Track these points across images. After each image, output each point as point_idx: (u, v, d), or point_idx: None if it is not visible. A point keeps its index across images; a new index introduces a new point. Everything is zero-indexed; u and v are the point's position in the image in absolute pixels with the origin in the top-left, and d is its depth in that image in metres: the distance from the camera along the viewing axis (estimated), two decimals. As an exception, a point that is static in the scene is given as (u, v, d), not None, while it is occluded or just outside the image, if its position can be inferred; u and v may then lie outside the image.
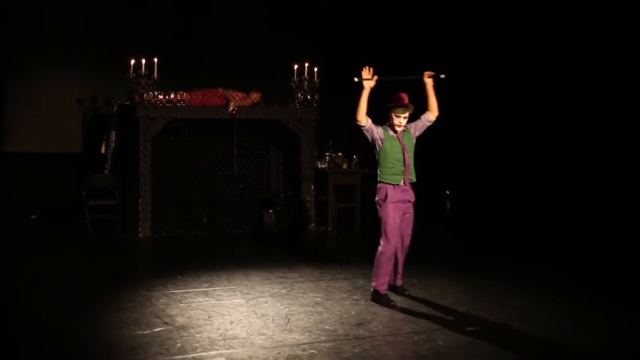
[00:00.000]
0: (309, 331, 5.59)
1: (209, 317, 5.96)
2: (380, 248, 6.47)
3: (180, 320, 5.86)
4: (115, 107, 10.71)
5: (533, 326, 5.76)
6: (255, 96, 10.65)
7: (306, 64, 10.62)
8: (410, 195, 6.56)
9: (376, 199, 6.54)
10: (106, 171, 10.62)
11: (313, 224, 10.92)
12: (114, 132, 10.60)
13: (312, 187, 10.91)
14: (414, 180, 6.56)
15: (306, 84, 10.64)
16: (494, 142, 11.50)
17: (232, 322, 5.80)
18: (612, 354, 5.21)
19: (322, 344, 5.26)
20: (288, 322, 5.84)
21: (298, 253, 9.54)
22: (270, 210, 11.13)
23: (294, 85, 10.69)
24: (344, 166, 11.06)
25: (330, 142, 11.37)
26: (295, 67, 10.66)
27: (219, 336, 5.43)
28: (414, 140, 6.63)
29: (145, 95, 9.98)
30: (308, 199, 10.87)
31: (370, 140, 6.55)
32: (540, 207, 10.66)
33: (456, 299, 6.66)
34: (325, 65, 11.10)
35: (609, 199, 9.80)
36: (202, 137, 10.60)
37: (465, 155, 11.85)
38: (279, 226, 11.01)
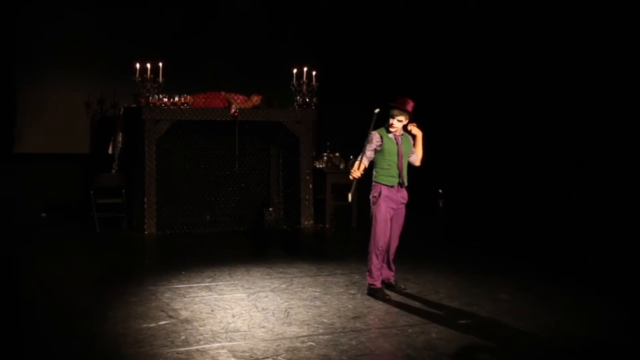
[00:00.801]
0: (308, 324, 5.67)
1: (212, 310, 6.04)
2: (371, 244, 6.57)
3: (184, 313, 5.94)
4: (122, 110, 10.77)
5: (523, 320, 5.83)
6: (256, 99, 10.75)
7: (305, 68, 10.67)
8: (403, 197, 6.67)
9: (371, 196, 6.64)
10: (113, 171, 10.68)
11: (311, 222, 10.99)
12: (120, 134, 10.67)
13: (311, 186, 10.97)
14: (407, 184, 6.67)
15: (305, 87, 10.69)
16: (485, 142, 11.48)
17: (234, 316, 5.87)
18: (601, 347, 5.28)
19: (321, 337, 5.35)
20: (288, 315, 5.92)
21: (297, 249, 9.60)
22: (271, 209, 11.24)
23: (293, 89, 10.74)
24: (341, 166, 11.14)
25: (328, 143, 11.46)
26: (295, 71, 10.71)
27: (222, 329, 5.50)
28: (411, 148, 6.77)
29: (150, 98, 10.07)
30: (307, 197, 10.93)
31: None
32: (531, 203, 10.68)
33: (449, 294, 6.76)
34: (324, 70, 11.17)
35: (600, 194, 9.78)
36: (205, 138, 10.66)
37: (458, 154, 11.87)
38: (279, 224, 11.10)
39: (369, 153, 6.55)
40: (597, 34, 9.83)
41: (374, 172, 6.66)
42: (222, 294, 6.64)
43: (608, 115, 9.81)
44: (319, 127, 11.56)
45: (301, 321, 5.77)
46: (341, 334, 5.46)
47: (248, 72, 11.81)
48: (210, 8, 12.29)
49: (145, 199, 10.18)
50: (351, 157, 11.05)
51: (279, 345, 5.16)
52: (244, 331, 5.48)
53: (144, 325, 5.61)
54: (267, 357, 4.91)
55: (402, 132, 6.68)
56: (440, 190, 12.10)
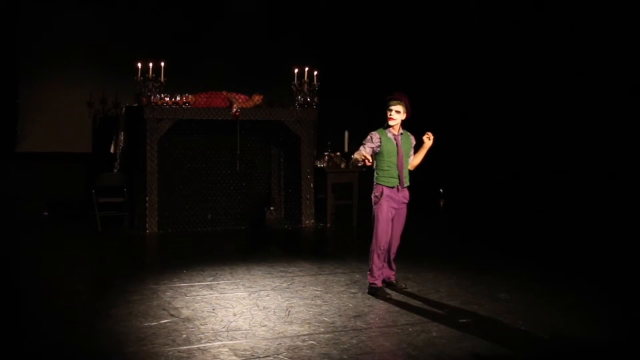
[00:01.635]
0: (309, 323, 5.69)
1: (213, 309, 6.06)
2: (372, 244, 6.59)
3: (185, 312, 5.96)
4: (124, 109, 10.79)
5: (522, 319, 5.85)
6: (257, 98, 10.78)
7: (306, 68, 10.70)
8: (405, 196, 6.68)
9: (372, 196, 6.65)
10: (115, 170, 10.67)
11: (312, 221, 11.00)
12: (122, 133, 10.67)
13: (312, 185, 11.00)
14: (408, 184, 6.66)
15: (306, 87, 10.71)
16: (485, 141, 11.56)
17: (235, 315, 5.89)
18: (601, 347, 5.29)
19: (321, 335, 5.37)
20: (289, 314, 5.94)
21: (298, 248, 9.65)
22: (272, 208, 11.28)
23: (294, 88, 10.77)
24: (342, 165, 11.15)
25: (329, 142, 11.49)
26: (296, 70, 10.74)
27: (223, 328, 5.53)
28: (412, 150, 6.73)
29: (152, 97, 10.09)
30: (307, 196, 10.94)
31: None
32: (531, 203, 10.72)
33: (449, 293, 6.78)
34: (325, 69, 11.20)
35: (599, 194, 9.82)
36: (206, 137, 10.68)
37: (458, 154, 11.90)
38: (280, 223, 11.12)
39: (368, 150, 6.55)
40: (604, 28, 9.84)
41: (374, 173, 6.67)
42: (224, 293, 6.66)
43: (608, 114, 9.84)
44: (320, 127, 11.57)
45: (302, 320, 5.79)
46: (342, 332, 5.48)
47: (249, 72, 11.83)
48: (211, 8, 12.32)
49: (147, 198, 10.20)
50: (352, 156, 11.05)
51: (280, 343, 5.18)
52: (245, 330, 5.50)
53: (146, 324, 5.63)
54: (268, 356, 4.93)
55: (401, 130, 6.63)
56: (441, 190, 12.12)
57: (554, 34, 10.50)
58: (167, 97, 10.23)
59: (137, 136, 10.40)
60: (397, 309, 6.19)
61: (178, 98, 10.30)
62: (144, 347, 5.08)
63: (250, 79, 11.60)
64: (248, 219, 10.95)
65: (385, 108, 6.56)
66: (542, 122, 10.70)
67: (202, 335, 5.35)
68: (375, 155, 6.59)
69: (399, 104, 6.51)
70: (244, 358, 4.90)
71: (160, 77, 10.12)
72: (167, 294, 6.63)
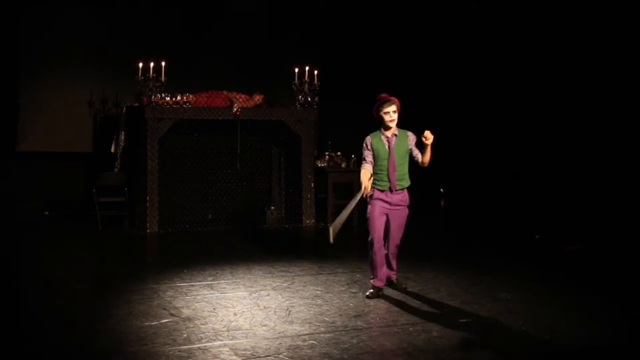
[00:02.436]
0: (309, 322, 5.69)
1: (214, 309, 6.07)
2: (368, 243, 6.59)
3: (186, 312, 5.97)
4: (124, 109, 10.85)
5: (522, 319, 5.85)
6: (257, 98, 10.84)
7: (307, 68, 10.73)
8: (401, 199, 6.53)
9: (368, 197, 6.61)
10: (115, 169, 10.74)
11: (313, 220, 11.04)
12: (123, 133, 10.73)
13: (312, 184, 11.04)
14: (405, 185, 6.51)
15: (306, 86, 10.76)
16: (486, 141, 11.57)
17: (235, 314, 5.90)
18: (601, 347, 5.29)
19: (322, 335, 5.37)
20: (289, 314, 5.94)
21: (298, 248, 9.68)
22: (272, 207, 11.31)
23: (294, 88, 10.81)
24: (343, 165, 11.18)
25: (330, 142, 11.51)
26: (296, 70, 10.77)
27: (223, 327, 5.53)
28: (409, 148, 6.50)
29: (152, 97, 10.13)
30: (308, 196, 10.98)
31: None
32: (531, 202, 10.73)
33: (449, 292, 6.78)
34: (325, 69, 11.22)
35: (600, 194, 9.85)
36: (207, 137, 10.72)
37: (459, 153, 11.87)
38: (281, 222, 11.16)
39: (369, 158, 6.51)
40: (604, 28, 9.84)
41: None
42: (224, 293, 6.68)
43: (608, 114, 9.83)
44: (321, 126, 11.60)
45: (303, 319, 5.80)
46: (342, 332, 5.48)
47: (250, 72, 11.87)
48: (212, 8, 12.34)
49: (148, 198, 10.23)
50: (352, 156, 11.07)
51: (281, 343, 5.18)
52: (246, 329, 5.51)
53: (146, 323, 5.63)
54: (268, 356, 4.93)
55: (396, 131, 6.50)
56: (441, 190, 12.13)
57: (554, 33, 10.50)
58: (167, 96, 10.28)
59: (138, 136, 10.45)
60: (397, 308, 6.19)
61: (179, 97, 10.35)
62: (144, 347, 5.08)
63: (250, 78, 11.64)
64: (248, 219, 10.97)
65: (380, 112, 6.42)
66: (542, 122, 10.70)
67: (202, 335, 5.36)
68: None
69: (392, 104, 6.41)
70: (244, 358, 4.90)
71: (161, 76, 10.16)
72: (168, 293, 6.64)
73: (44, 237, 9.96)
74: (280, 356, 4.92)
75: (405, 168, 6.54)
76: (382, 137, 6.50)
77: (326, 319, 5.83)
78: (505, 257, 8.67)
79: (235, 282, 7.13)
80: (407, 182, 6.56)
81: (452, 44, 11.98)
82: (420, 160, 6.51)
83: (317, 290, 6.83)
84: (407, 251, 7.31)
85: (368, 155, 6.51)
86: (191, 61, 11.65)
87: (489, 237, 10.10)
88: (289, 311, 6.04)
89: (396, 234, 6.63)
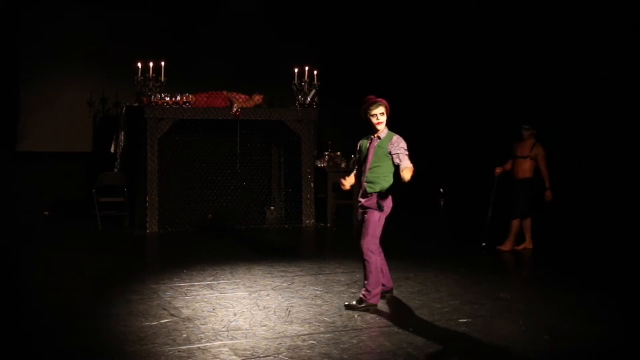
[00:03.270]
0: (309, 323, 5.70)
1: (214, 309, 6.07)
2: None
3: (186, 312, 5.97)
4: (125, 109, 10.85)
5: (523, 319, 5.87)
6: (257, 98, 10.84)
7: (307, 68, 10.74)
8: (370, 203, 6.17)
9: None
10: (115, 170, 10.74)
11: (313, 221, 11.04)
12: (123, 133, 10.73)
13: (312, 185, 11.03)
14: (376, 190, 6.10)
15: (306, 86, 10.76)
16: (486, 140, 11.57)
17: (235, 314, 5.90)
18: (601, 347, 5.30)
19: (322, 335, 5.37)
20: (289, 314, 5.95)
21: (299, 248, 9.70)
22: (272, 207, 11.33)
23: (294, 88, 10.81)
24: (343, 165, 11.17)
25: (330, 142, 11.51)
26: (296, 70, 10.78)
27: (223, 327, 5.54)
28: (387, 152, 6.14)
29: (153, 97, 10.14)
30: (308, 196, 10.97)
31: None
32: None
33: (450, 292, 6.79)
34: (325, 69, 11.23)
35: (599, 192, 9.87)
36: (207, 137, 10.73)
37: (459, 153, 11.90)
38: (281, 222, 11.15)
39: (356, 163, 6.47)
40: (605, 27, 9.85)
41: None
42: (224, 293, 6.68)
43: (609, 113, 9.84)
44: (321, 126, 11.60)
45: (303, 320, 5.80)
46: (342, 332, 5.48)
47: (250, 72, 11.87)
48: (212, 8, 12.35)
49: (148, 198, 10.24)
50: (352, 156, 11.09)
51: (281, 343, 5.19)
52: (246, 330, 5.52)
53: (146, 324, 5.64)
54: (268, 356, 4.94)
55: (384, 133, 6.24)
56: (441, 190, 12.13)
57: (554, 34, 10.50)
58: (167, 97, 10.30)
59: (138, 136, 10.45)
60: (397, 308, 6.21)
61: (179, 98, 10.36)
62: (144, 347, 5.09)
63: (250, 79, 11.63)
64: (248, 219, 10.97)
65: (367, 114, 6.17)
66: (543, 122, 10.70)
67: (202, 335, 5.36)
68: None
69: (380, 105, 6.18)
70: (244, 358, 4.90)
71: (161, 77, 10.18)
72: (168, 293, 6.64)
73: (44, 237, 9.96)
74: (280, 356, 4.92)
75: (380, 172, 6.13)
76: (369, 140, 6.30)
77: (326, 319, 5.84)
78: (506, 257, 8.68)
79: (235, 282, 7.13)
80: (379, 187, 6.10)
81: (452, 43, 11.98)
82: (400, 171, 6.16)
83: (317, 290, 6.83)
84: (407, 251, 7.33)
85: (355, 159, 6.53)
86: (191, 61, 11.65)
87: (489, 237, 10.04)
88: (289, 311, 6.05)
89: (362, 239, 6.19)
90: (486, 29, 11.49)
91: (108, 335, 5.42)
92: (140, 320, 5.75)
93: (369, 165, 6.17)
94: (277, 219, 11.26)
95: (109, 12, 11.80)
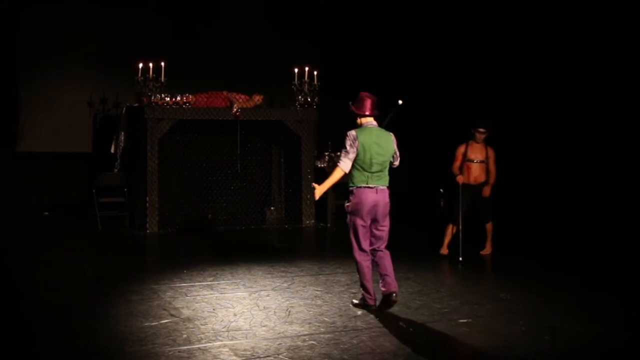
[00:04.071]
0: (309, 323, 5.71)
1: (214, 309, 6.08)
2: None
3: (186, 312, 5.98)
4: (124, 109, 10.86)
5: (522, 319, 5.87)
6: (257, 98, 10.85)
7: (306, 68, 10.74)
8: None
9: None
10: (115, 170, 10.75)
11: (313, 221, 11.04)
12: (122, 133, 10.74)
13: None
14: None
15: (306, 86, 10.76)
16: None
17: (235, 315, 5.91)
18: (601, 347, 5.31)
19: (322, 335, 5.38)
20: (289, 314, 5.96)
21: (298, 248, 9.69)
22: (272, 208, 11.33)
23: (294, 88, 10.81)
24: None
25: (330, 142, 11.49)
26: (296, 70, 10.78)
27: (223, 328, 5.55)
28: None
29: (152, 97, 10.15)
30: (308, 196, 10.95)
31: None
32: (532, 202, 10.74)
33: (450, 292, 6.83)
34: (325, 69, 11.23)
35: (598, 193, 9.86)
36: (207, 137, 10.74)
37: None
38: (281, 223, 11.16)
39: None
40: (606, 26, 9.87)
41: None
42: (224, 293, 6.69)
43: (609, 113, 9.85)
44: (321, 127, 11.60)
45: (302, 320, 5.81)
46: (342, 332, 5.49)
47: (250, 72, 11.88)
48: (212, 8, 12.35)
49: (147, 198, 10.25)
50: None
51: (281, 344, 5.19)
52: (246, 330, 5.52)
53: (146, 324, 5.65)
54: (268, 356, 4.94)
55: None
56: (441, 190, 12.11)
57: (555, 34, 10.51)
58: (167, 97, 10.31)
59: (138, 136, 10.46)
60: (397, 308, 6.18)
61: (178, 98, 10.38)
62: (144, 347, 5.10)
63: (250, 79, 11.65)
64: (248, 219, 10.97)
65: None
66: (542, 122, 10.71)
67: (202, 335, 5.37)
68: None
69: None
70: (244, 358, 4.91)
71: (161, 77, 10.19)
72: (168, 294, 6.65)
73: (43, 237, 9.96)
74: (280, 356, 4.93)
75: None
76: None
77: (326, 319, 5.85)
78: (506, 257, 8.68)
79: (235, 282, 7.14)
80: (350, 183, 6.16)
81: (452, 43, 11.98)
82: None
83: (317, 290, 6.84)
84: (407, 251, 7.33)
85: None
86: (191, 62, 11.67)
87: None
88: (289, 312, 6.05)
89: None
90: (485, 28, 11.49)
91: (108, 335, 5.43)
92: (140, 320, 5.75)
93: None
94: (277, 219, 11.27)
95: (109, 12, 11.83)
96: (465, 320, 5.84)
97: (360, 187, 6.03)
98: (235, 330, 5.49)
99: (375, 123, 6.15)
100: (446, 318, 5.93)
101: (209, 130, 10.64)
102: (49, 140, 11.54)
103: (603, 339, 5.48)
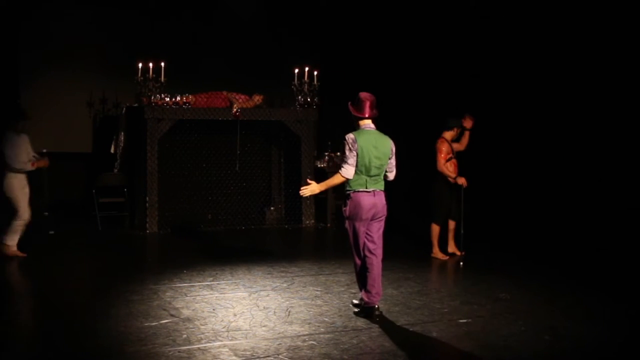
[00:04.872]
0: (309, 323, 5.72)
1: (213, 309, 6.09)
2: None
3: (185, 312, 5.99)
4: (124, 109, 10.85)
5: (522, 319, 5.89)
6: (257, 98, 10.84)
7: (306, 68, 10.74)
8: None
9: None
10: (115, 170, 10.74)
11: (313, 221, 11.04)
12: (122, 133, 10.73)
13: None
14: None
15: (306, 87, 10.75)
16: (487, 140, 11.58)
17: (235, 315, 5.92)
18: (601, 347, 5.32)
19: (322, 335, 5.39)
20: (289, 314, 5.96)
21: (298, 248, 9.70)
22: (272, 208, 11.33)
23: (294, 88, 10.81)
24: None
25: (329, 142, 11.51)
26: (296, 71, 10.78)
27: (223, 328, 5.55)
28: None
29: (152, 97, 10.14)
30: (308, 196, 11.04)
31: None
32: (532, 202, 10.74)
33: (450, 292, 6.84)
34: (325, 69, 11.21)
35: (598, 193, 9.88)
36: (206, 137, 10.73)
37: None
38: (280, 223, 11.16)
39: None
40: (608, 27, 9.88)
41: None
42: (224, 293, 6.69)
43: (610, 113, 9.86)
44: (320, 127, 11.60)
45: (302, 320, 5.82)
46: (342, 332, 5.50)
47: (250, 72, 11.89)
48: (212, 8, 12.36)
49: (147, 198, 10.24)
50: None
51: (280, 344, 5.20)
52: (246, 330, 5.53)
53: (146, 324, 5.66)
54: (268, 356, 4.95)
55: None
56: None
57: (554, 34, 10.51)
58: (167, 97, 10.30)
59: (138, 136, 10.45)
60: (397, 309, 6.21)
61: (178, 98, 10.37)
62: (144, 347, 5.10)
63: (250, 79, 11.66)
64: (248, 219, 10.98)
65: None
66: (542, 122, 10.72)
67: (202, 336, 5.37)
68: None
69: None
70: (244, 358, 4.92)
71: (161, 77, 10.18)
72: (168, 294, 6.65)
73: (44, 237, 9.92)
74: (280, 357, 4.94)
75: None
76: None
77: (326, 319, 5.85)
78: (506, 257, 8.70)
79: (235, 282, 7.14)
80: (348, 186, 6.05)
81: (451, 43, 11.99)
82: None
83: (317, 290, 6.84)
84: (407, 251, 7.33)
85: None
86: (191, 62, 11.68)
87: (490, 237, 10.09)
88: (289, 312, 6.06)
89: None
90: (485, 28, 11.49)
91: (108, 335, 5.43)
92: (140, 320, 5.76)
93: None
94: (276, 219, 11.27)
95: (109, 12, 11.84)
96: (465, 320, 5.85)
97: (357, 191, 5.95)
98: (235, 331, 5.49)
99: (373, 126, 6.07)
100: (446, 318, 5.94)
101: (208, 130, 10.64)
102: (49, 140, 11.43)
103: (603, 339, 5.48)
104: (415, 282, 7.18)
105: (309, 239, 10.56)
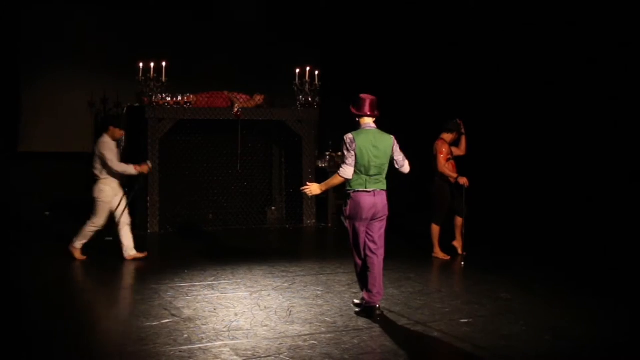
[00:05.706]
0: (310, 323, 5.72)
1: (215, 309, 6.09)
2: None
3: (186, 312, 6.00)
4: (125, 109, 10.87)
5: (523, 319, 5.89)
6: (258, 98, 10.85)
7: (307, 68, 10.74)
8: None
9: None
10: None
11: (314, 221, 11.04)
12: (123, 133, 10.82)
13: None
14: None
15: (307, 86, 10.75)
16: (487, 140, 11.59)
17: (236, 314, 5.92)
18: (601, 347, 5.33)
19: (323, 335, 5.40)
20: (290, 314, 5.97)
21: (299, 248, 9.72)
22: (273, 207, 11.33)
23: (295, 88, 10.80)
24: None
25: (330, 142, 11.51)
26: (297, 70, 10.76)
27: (224, 327, 5.56)
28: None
29: (153, 97, 10.14)
30: (309, 196, 11.04)
31: None
32: (533, 202, 10.75)
33: (450, 292, 6.84)
34: (326, 69, 11.22)
35: (601, 194, 9.91)
36: (207, 137, 10.73)
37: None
38: (281, 222, 11.17)
39: None
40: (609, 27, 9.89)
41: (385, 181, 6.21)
42: (225, 293, 6.70)
43: (611, 114, 9.87)
44: (321, 126, 11.60)
45: (303, 320, 5.82)
46: (343, 332, 5.50)
47: (251, 72, 11.91)
48: (213, 8, 12.36)
49: (148, 198, 10.25)
50: None
51: (282, 343, 5.20)
52: (247, 330, 5.53)
53: (147, 324, 5.66)
54: (269, 356, 4.96)
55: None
56: None
57: (555, 34, 10.52)
58: (168, 97, 10.30)
59: (139, 136, 10.43)
60: (398, 308, 6.22)
61: (179, 98, 10.37)
62: (145, 347, 5.11)
63: (251, 78, 11.68)
64: (249, 219, 10.98)
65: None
66: (542, 122, 10.73)
67: (203, 335, 5.38)
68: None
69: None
70: (245, 358, 4.92)
71: (162, 77, 10.17)
72: (169, 293, 6.65)
73: (45, 237, 9.93)
74: (281, 356, 4.94)
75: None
76: None
77: (327, 319, 5.86)
78: (507, 257, 8.69)
79: (236, 282, 7.14)
80: (348, 186, 6.05)
81: (451, 43, 12.00)
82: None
83: (318, 290, 6.85)
84: (407, 251, 7.33)
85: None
86: (192, 61, 11.70)
87: (490, 237, 10.09)
88: (290, 311, 6.06)
89: None
90: (484, 28, 11.50)
91: (108, 335, 5.47)
92: (141, 320, 5.76)
93: None
94: (277, 219, 11.28)
95: (110, 12, 11.87)
96: (466, 320, 5.85)
97: (357, 191, 5.94)
98: (236, 330, 5.50)
99: (374, 125, 6.05)
100: (447, 318, 5.94)
101: (209, 130, 10.64)
102: (50, 140, 11.58)
103: (603, 339, 5.49)
104: (417, 282, 7.18)
105: (310, 238, 10.57)
